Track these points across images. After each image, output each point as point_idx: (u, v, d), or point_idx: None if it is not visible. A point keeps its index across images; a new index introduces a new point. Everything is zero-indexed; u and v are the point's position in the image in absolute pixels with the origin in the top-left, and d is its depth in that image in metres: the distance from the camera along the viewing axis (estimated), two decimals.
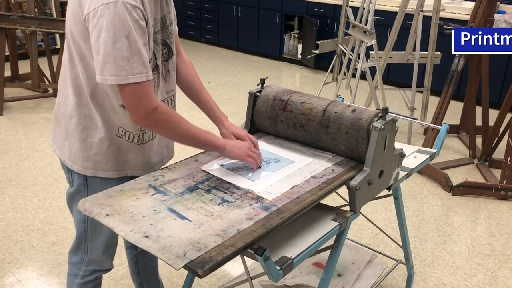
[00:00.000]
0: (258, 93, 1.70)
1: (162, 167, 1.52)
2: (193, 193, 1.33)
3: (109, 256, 1.65)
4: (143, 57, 1.27)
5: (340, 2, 5.18)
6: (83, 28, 1.29)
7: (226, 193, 1.34)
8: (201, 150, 1.57)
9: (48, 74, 4.74)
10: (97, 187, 1.47)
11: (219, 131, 1.61)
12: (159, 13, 1.40)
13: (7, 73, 4.60)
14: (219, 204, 1.28)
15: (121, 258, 2.44)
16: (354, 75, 4.00)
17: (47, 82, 4.77)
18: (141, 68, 1.26)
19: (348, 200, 1.46)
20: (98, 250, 1.60)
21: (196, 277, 1.94)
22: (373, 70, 4.18)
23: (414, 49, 3.95)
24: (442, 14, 4.85)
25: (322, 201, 1.38)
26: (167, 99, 1.54)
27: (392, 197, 1.91)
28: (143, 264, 1.92)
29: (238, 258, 1.17)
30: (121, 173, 1.50)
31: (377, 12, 4.72)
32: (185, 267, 1.05)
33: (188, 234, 1.14)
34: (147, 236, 1.13)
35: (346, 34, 4.63)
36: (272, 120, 1.65)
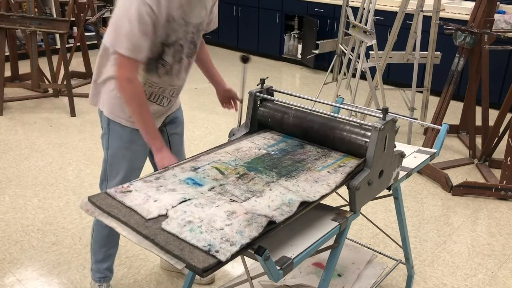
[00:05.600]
0: (258, 93, 1.70)
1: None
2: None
3: None
4: (135, 41, 1.53)
5: (340, 2, 5.19)
6: None
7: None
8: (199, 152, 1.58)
9: (48, 74, 4.73)
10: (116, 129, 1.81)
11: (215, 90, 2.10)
12: (197, 19, 1.70)
13: (7, 73, 4.60)
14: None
15: (121, 258, 2.44)
16: (354, 75, 4.00)
17: (47, 82, 4.77)
18: (130, 46, 1.52)
19: (348, 200, 1.46)
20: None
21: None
22: (373, 70, 4.18)
23: (414, 49, 3.95)
24: (442, 14, 4.86)
25: (322, 201, 1.38)
26: (178, 88, 1.84)
27: (392, 197, 1.91)
28: None
29: (238, 258, 1.16)
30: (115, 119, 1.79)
31: (377, 12, 4.72)
32: (186, 266, 1.06)
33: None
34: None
35: (346, 34, 4.63)
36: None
